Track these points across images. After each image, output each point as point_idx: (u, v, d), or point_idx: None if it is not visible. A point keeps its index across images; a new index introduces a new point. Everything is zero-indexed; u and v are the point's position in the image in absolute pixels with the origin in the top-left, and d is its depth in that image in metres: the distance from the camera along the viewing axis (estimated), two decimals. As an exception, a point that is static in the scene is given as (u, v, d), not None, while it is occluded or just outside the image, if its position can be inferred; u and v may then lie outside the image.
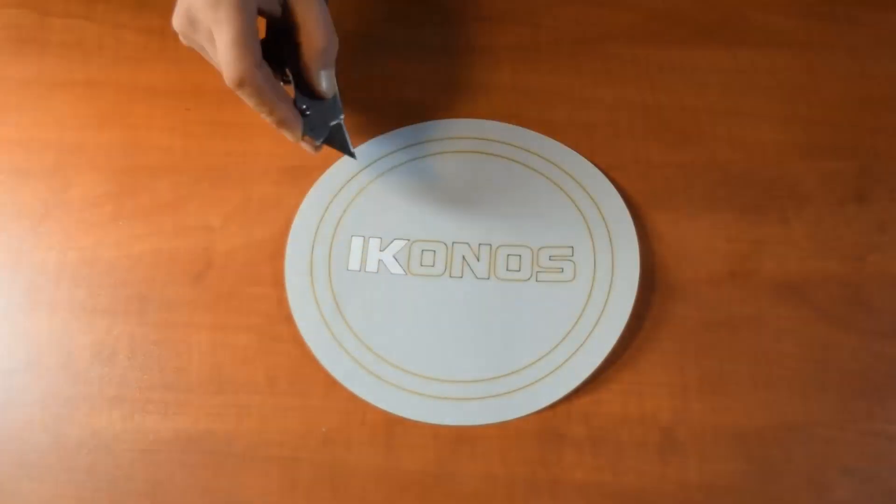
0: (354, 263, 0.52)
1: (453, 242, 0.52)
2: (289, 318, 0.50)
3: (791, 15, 0.59)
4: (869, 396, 0.47)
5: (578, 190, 0.52)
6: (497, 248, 0.52)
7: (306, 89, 0.50)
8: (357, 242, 0.52)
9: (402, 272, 0.51)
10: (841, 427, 0.47)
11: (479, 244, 0.52)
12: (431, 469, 0.46)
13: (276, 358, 0.49)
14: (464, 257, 0.52)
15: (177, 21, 0.48)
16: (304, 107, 0.50)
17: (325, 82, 0.49)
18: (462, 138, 0.55)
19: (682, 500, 0.45)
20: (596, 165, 0.54)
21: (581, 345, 0.49)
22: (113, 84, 0.58)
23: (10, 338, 0.50)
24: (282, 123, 0.49)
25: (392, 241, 0.52)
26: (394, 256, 0.52)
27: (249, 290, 0.51)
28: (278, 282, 0.51)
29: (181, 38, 0.49)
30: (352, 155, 0.52)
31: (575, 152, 0.54)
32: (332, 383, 0.48)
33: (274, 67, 0.48)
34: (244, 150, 0.55)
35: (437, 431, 0.47)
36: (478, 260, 0.51)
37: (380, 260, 0.52)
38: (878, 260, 0.51)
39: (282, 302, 0.50)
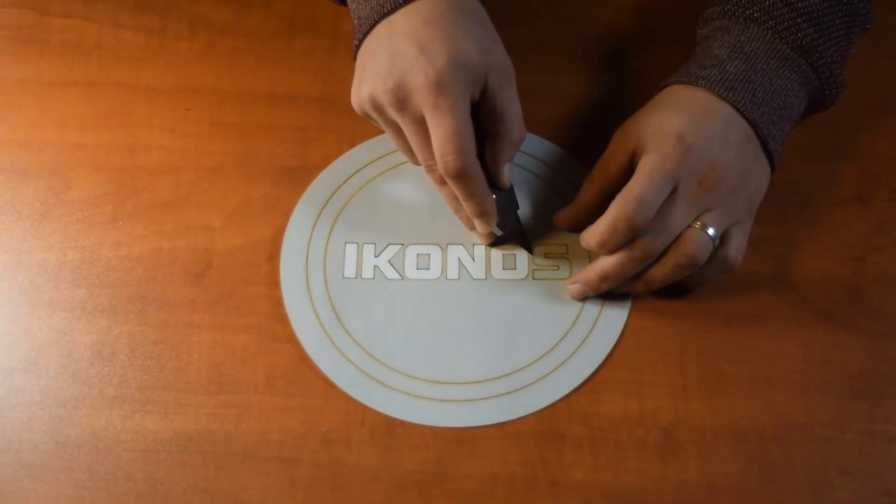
0: (350, 271, 0.51)
1: (447, 244, 0.52)
2: (288, 319, 0.50)
3: (791, 15, 0.59)
4: (869, 396, 0.47)
5: (573, 190, 0.52)
6: (492, 247, 0.52)
7: (486, 177, 0.47)
8: (351, 250, 0.52)
9: (398, 277, 0.51)
10: (841, 427, 0.47)
11: (474, 245, 0.52)
12: (431, 469, 0.46)
13: (276, 358, 0.49)
14: (459, 259, 0.51)
15: (380, 92, 0.44)
16: (494, 196, 0.48)
17: (509, 173, 0.48)
18: None
19: (682, 500, 0.45)
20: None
21: (580, 344, 0.49)
22: (113, 84, 0.58)
23: (10, 338, 0.50)
24: (483, 214, 0.47)
25: (386, 247, 0.52)
26: (389, 262, 0.51)
27: (249, 290, 0.51)
28: (277, 282, 0.51)
29: (370, 107, 0.45)
30: (529, 250, 0.51)
31: (569, 154, 0.54)
32: (331, 383, 0.48)
33: None
34: (244, 150, 0.55)
35: (436, 432, 0.47)
36: (473, 261, 0.51)
37: (375, 266, 0.51)
38: (878, 260, 0.51)
39: (281, 302, 0.50)
